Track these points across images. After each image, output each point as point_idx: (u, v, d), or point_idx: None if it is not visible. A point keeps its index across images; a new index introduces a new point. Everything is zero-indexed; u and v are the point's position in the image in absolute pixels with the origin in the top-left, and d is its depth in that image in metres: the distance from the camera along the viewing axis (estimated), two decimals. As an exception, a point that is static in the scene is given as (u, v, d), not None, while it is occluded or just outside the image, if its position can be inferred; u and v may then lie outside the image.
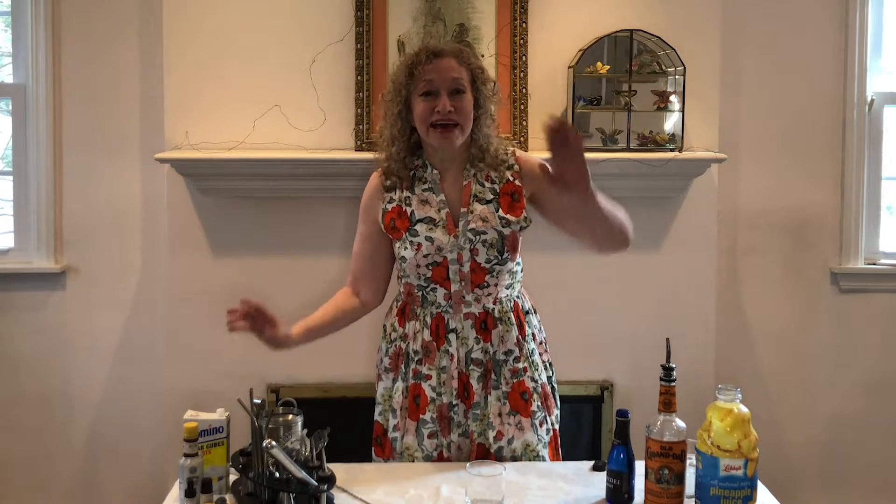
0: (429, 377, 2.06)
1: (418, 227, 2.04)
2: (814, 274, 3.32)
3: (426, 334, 2.06)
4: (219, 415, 1.83)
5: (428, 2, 2.86)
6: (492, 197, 2.06)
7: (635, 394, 2.99)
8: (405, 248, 2.04)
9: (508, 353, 2.07)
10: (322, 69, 2.87)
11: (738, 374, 3.24)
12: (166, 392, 3.00)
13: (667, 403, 1.72)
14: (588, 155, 2.76)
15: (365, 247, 2.17)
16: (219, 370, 2.92)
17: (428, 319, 2.07)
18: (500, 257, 2.03)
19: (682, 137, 2.87)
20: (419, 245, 2.03)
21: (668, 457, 1.69)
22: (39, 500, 3.26)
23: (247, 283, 2.94)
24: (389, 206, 2.09)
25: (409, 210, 2.07)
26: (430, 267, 2.04)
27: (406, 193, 2.08)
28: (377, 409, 2.17)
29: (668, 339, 1.79)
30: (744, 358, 3.31)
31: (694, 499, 1.70)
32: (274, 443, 1.63)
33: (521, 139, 2.86)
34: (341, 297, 2.19)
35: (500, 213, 2.05)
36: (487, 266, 2.03)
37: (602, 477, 1.83)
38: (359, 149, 2.86)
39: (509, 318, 2.08)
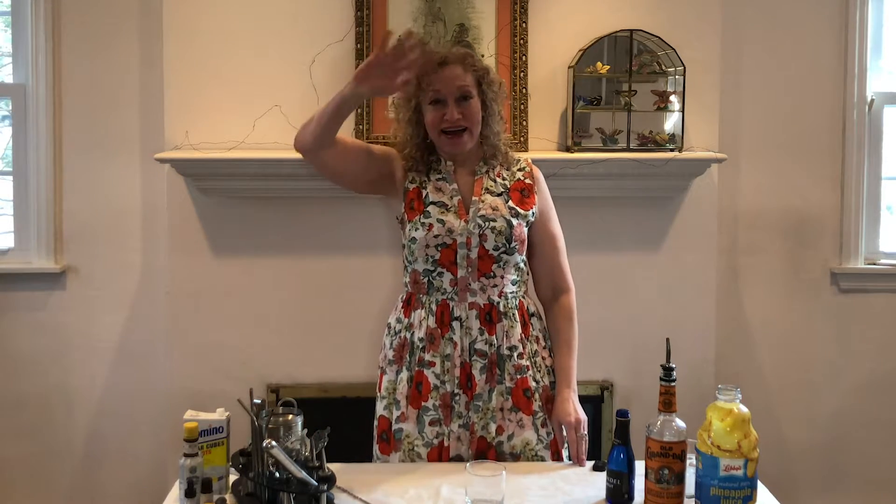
0: (432, 364, 2.09)
1: (431, 208, 2.11)
2: (814, 274, 3.31)
3: (431, 321, 2.10)
4: (219, 415, 1.83)
5: (428, 2, 2.85)
6: (502, 191, 2.16)
7: (635, 394, 2.99)
8: (416, 230, 2.09)
9: (512, 348, 2.10)
10: (322, 69, 2.87)
11: (738, 374, 3.24)
12: (166, 392, 2.99)
13: (667, 403, 1.72)
14: (588, 155, 2.81)
15: (360, 150, 2.20)
16: (219, 370, 2.92)
17: (433, 307, 2.10)
18: (507, 245, 2.08)
19: (682, 137, 2.87)
20: (430, 226, 2.08)
21: (668, 457, 1.69)
22: (39, 500, 3.26)
23: (247, 283, 2.94)
24: (411, 187, 2.17)
25: (424, 192, 2.14)
26: (439, 248, 2.08)
27: (423, 178, 2.17)
28: (381, 404, 2.17)
29: (668, 339, 1.80)
30: (744, 358, 3.31)
31: (694, 499, 1.70)
32: (274, 443, 1.63)
33: (522, 139, 2.86)
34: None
35: (510, 203, 2.13)
36: (495, 254, 2.08)
37: (602, 477, 1.83)
38: (359, 149, 2.86)
39: (514, 315, 2.11)
